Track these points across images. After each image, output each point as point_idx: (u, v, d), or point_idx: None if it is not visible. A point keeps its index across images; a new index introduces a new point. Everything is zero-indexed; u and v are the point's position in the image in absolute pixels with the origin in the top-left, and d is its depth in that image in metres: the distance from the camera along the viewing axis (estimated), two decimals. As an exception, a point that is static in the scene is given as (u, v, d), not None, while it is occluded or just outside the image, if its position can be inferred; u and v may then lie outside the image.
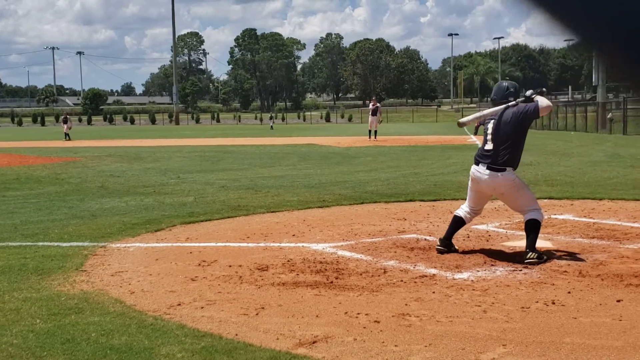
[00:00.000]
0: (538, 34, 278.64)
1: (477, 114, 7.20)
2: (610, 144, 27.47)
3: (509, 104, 6.77)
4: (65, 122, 43.53)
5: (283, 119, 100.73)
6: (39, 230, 8.63)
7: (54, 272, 6.34)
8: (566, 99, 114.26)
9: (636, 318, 4.76)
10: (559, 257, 6.68)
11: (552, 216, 9.23)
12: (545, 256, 6.56)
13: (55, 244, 7.74)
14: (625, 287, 5.56)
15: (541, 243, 7.34)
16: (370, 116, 33.60)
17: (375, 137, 33.03)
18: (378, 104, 34.30)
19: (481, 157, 6.78)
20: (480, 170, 6.73)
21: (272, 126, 67.60)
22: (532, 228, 6.60)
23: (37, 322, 4.80)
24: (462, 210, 7.11)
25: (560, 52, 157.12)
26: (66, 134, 41.69)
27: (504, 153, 6.62)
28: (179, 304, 5.24)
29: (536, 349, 4.17)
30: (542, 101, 6.67)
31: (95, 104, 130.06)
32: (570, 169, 16.36)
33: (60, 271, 6.37)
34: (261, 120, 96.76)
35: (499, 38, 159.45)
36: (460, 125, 7.17)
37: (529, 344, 4.26)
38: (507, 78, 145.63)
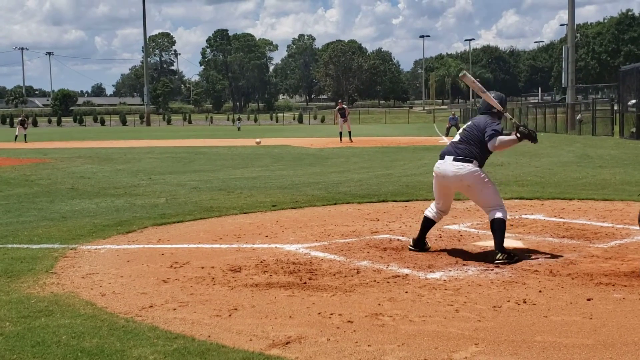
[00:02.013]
0: (508, 36, 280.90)
1: (481, 87, 7.00)
2: (579, 144, 27.79)
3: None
4: (22, 124, 43.02)
5: (255, 120, 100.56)
6: (8, 232, 8.51)
7: (24, 274, 6.26)
8: (536, 101, 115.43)
9: (606, 316, 4.82)
10: (530, 257, 6.74)
11: (523, 216, 9.31)
12: (516, 256, 6.60)
13: (25, 246, 7.64)
14: (596, 286, 5.62)
15: (512, 242, 7.42)
16: (340, 118, 33.71)
17: (350, 139, 33.03)
18: (344, 106, 34.54)
19: (448, 150, 6.84)
20: (445, 163, 6.78)
21: (239, 127, 67.39)
22: (498, 227, 6.61)
23: (7, 324, 4.73)
24: (431, 210, 7.14)
25: (531, 54, 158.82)
26: (20, 136, 41.35)
27: (471, 148, 6.71)
28: (151, 306, 5.20)
29: (508, 348, 4.20)
30: (504, 140, 6.67)
31: (65, 105, 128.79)
32: (540, 170, 16.53)
33: (30, 273, 6.29)
34: (233, 121, 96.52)
35: (470, 40, 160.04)
36: (462, 77, 7.07)
37: (500, 342, 4.30)
38: (478, 80, 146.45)
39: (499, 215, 6.62)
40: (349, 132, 33.46)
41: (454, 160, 6.71)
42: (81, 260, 6.92)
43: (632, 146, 25.60)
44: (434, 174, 6.98)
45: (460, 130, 6.93)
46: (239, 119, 74.25)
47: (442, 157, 6.85)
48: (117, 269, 6.49)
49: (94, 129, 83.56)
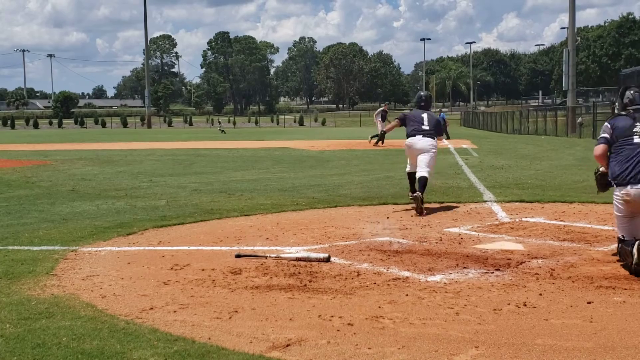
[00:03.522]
0: (509, 39, 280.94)
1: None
2: (580, 148, 27.80)
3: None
4: None
5: (256, 123, 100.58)
6: (9, 234, 8.52)
7: (24, 276, 6.26)
8: (537, 104, 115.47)
9: (606, 319, 4.82)
10: (531, 260, 6.74)
11: (524, 219, 9.31)
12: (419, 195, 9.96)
13: (26, 247, 7.65)
14: (596, 289, 5.62)
15: (512, 245, 7.43)
16: (380, 121, 33.14)
17: (371, 140, 32.16)
18: (387, 109, 34.60)
19: (421, 132, 10.56)
20: (420, 139, 10.54)
21: (222, 130, 64.89)
22: (424, 182, 10.21)
23: (7, 326, 4.73)
24: (410, 167, 10.75)
25: (531, 57, 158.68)
26: None
27: (433, 132, 10.67)
28: (151, 308, 5.20)
29: (508, 351, 4.20)
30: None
31: (66, 107, 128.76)
32: (541, 173, 16.53)
33: (30, 275, 6.29)
34: (234, 123, 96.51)
35: (470, 43, 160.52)
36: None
37: (501, 345, 4.29)
38: (479, 83, 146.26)
39: (427, 174, 10.33)
40: (377, 135, 32.49)
41: (424, 137, 10.55)
42: (82, 262, 6.92)
43: (633, 149, 25.55)
44: (407, 147, 10.81)
45: (425, 122, 10.65)
46: (219, 122, 72.76)
47: (414, 135, 10.59)
48: (118, 271, 6.50)
49: (95, 130, 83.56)
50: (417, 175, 10.29)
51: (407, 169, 10.84)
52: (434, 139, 10.59)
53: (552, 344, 4.32)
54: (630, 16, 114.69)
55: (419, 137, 10.47)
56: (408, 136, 10.64)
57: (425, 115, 10.68)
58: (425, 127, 10.53)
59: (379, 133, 32.01)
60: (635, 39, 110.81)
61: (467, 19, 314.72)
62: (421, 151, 10.44)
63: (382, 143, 31.49)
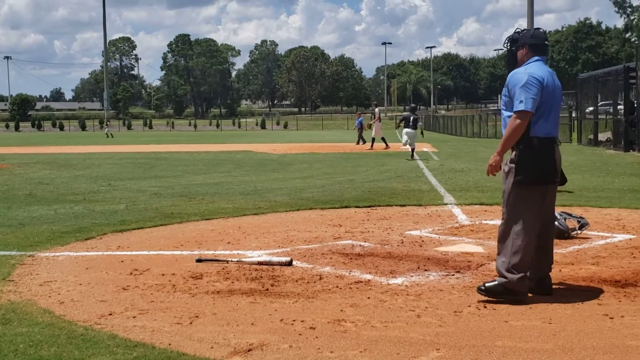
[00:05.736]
0: (469, 43, 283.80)
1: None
2: (538, 151, 28.06)
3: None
4: None
5: (218, 126, 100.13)
6: (-37, 240, 8.34)
7: (-21, 282, 6.13)
8: (496, 108, 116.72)
9: (565, 321, 4.88)
10: (491, 262, 6.80)
11: (484, 221, 9.40)
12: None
13: (-19, 253, 7.49)
14: (554, 291, 5.68)
15: (472, 248, 7.49)
16: (377, 123, 32.46)
17: (372, 146, 31.67)
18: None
19: (413, 126, 24.18)
20: (410, 129, 24.12)
21: (109, 134, 60.36)
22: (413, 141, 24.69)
23: (-39, 334, 4.62)
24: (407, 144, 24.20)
25: (490, 61, 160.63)
26: None
27: (414, 125, 24.32)
28: (110, 314, 5.13)
29: (469, 353, 4.23)
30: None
31: (23, 109, 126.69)
32: (499, 175, 16.67)
33: (-15, 281, 6.16)
34: (195, 127, 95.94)
35: (431, 47, 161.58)
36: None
37: (461, 347, 4.32)
38: (439, 87, 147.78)
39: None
40: (373, 139, 31.87)
41: (414, 128, 24.26)
42: (39, 267, 6.81)
43: (590, 152, 26.05)
44: (407, 134, 24.17)
45: (412, 120, 24.19)
46: (107, 124, 68.14)
47: (409, 127, 24.10)
48: (76, 277, 6.40)
49: (53, 134, 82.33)
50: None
51: (406, 146, 24.32)
52: (416, 128, 23.98)
53: (512, 345, 4.36)
54: (587, 21, 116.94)
55: (410, 128, 23.91)
56: (405, 127, 24.06)
57: (411, 117, 24.15)
58: (410, 123, 23.92)
59: (374, 136, 31.42)
60: (592, 44, 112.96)
61: (428, 23, 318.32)
62: (410, 133, 23.84)
63: (372, 147, 31.29)
